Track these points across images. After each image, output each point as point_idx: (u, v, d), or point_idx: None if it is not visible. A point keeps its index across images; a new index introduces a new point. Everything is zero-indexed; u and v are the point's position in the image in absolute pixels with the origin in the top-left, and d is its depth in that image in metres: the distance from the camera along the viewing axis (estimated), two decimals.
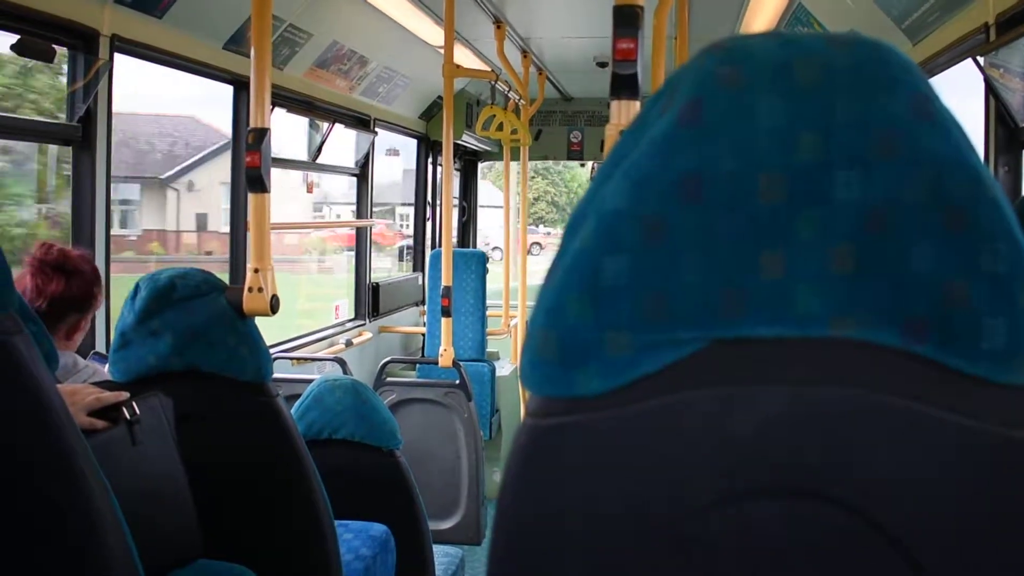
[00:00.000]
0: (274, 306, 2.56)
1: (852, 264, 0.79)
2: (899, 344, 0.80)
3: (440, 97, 6.20)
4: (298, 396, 3.16)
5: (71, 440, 1.43)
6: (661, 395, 0.82)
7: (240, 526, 2.37)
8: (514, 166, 7.03)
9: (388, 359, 5.05)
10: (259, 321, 2.48)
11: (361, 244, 6.11)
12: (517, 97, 6.52)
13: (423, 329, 6.50)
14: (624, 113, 2.03)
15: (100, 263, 3.07)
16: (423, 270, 6.91)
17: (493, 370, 6.05)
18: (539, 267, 6.53)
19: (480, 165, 8.45)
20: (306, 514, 2.39)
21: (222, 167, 13.20)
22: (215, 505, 2.31)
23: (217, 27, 3.70)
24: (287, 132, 5.26)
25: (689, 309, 0.81)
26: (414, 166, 7.21)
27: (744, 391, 0.81)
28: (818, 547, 0.82)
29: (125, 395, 2.12)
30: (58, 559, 1.44)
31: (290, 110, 4.77)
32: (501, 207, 6.76)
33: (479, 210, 8.53)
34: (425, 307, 6.54)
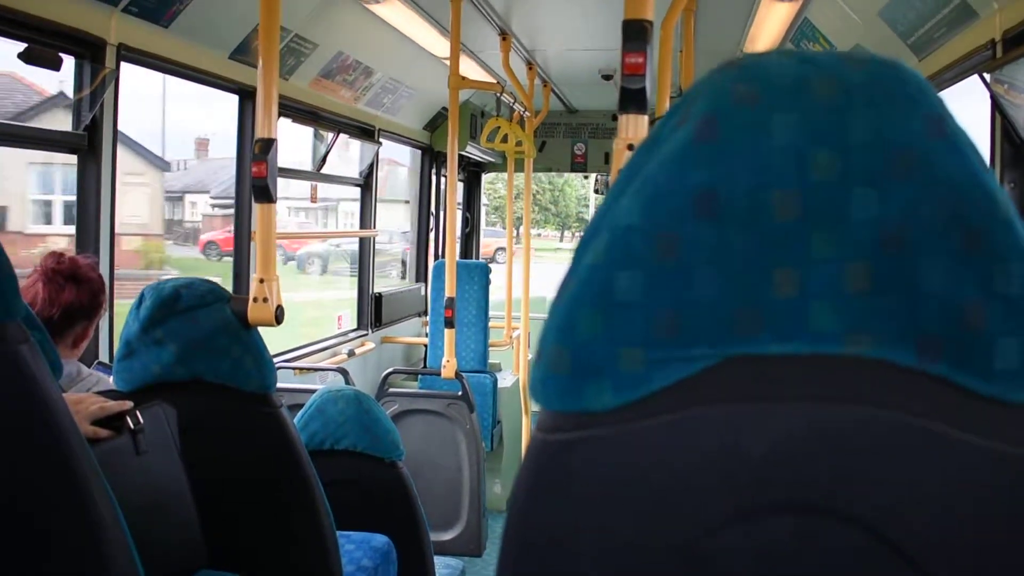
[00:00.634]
0: (279, 317, 2.56)
1: (867, 282, 0.79)
2: (913, 363, 0.80)
3: (445, 108, 6.22)
4: (300, 406, 3.15)
5: (75, 449, 1.43)
6: (673, 411, 0.82)
7: (242, 536, 2.36)
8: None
9: (391, 370, 5.05)
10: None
11: (364, 254, 6.11)
12: (522, 109, 6.52)
13: (425, 340, 6.49)
14: (632, 128, 2.03)
15: (104, 271, 3.07)
16: (426, 280, 6.90)
17: (495, 381, 6.04)
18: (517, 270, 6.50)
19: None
20: (308, 524, 2.38)
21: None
22: (218, 515, 2.30)
23: (223, 37, 3.71)
24: (291, 143, 5.26)
25: (702, 325, 0.81)
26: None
27: (757, 408, 0.81)
28: (831, 565, 0.81)
29: (129, 404, 2.12)
30: (61, 568, 1.44)
31: (295, 120, 4.78)
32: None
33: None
34: (428, 318, 6.54)
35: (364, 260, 6.11)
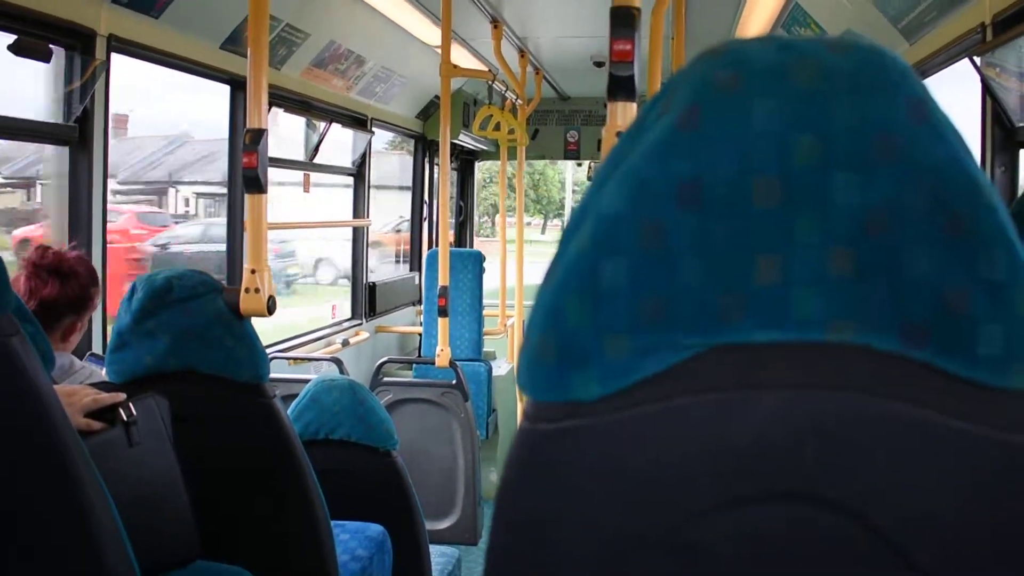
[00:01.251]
0: (271, 307, 2.56)
1: (851, 268, 0.79)
2: (898, 349, 0.80)
3: (437, 97, 6.20)
4: (295, 396, 3.15)
5: (67, 441, 1.43)
6: (659, 400, 0.82)
7: (237, 527, 2.36)
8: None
9: (385, 359, 5.05)
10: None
11: (357, 244, 6.11)
12: (514, 97, 6.52)
13: (420, 329, 6.49)
14: (621, 114, 2.03)
15: (97, 264, 3.06)
16: (420, 270, 6.90)
17: (490, 370, 6.05)
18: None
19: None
20: (303, 515, 2.38)
21: None
22: (212, 506, 2.30)
23: (214, 27, 3.70)
24: (286, 132, 5.24)
25: (687, 313, 0.81)
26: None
27: (742, 396, 0.81)
28: (818, 552, 0.82)
29: (122, 396, 2.12)
30: (54, 561, 1.44)
31: (287, 110, 4.77)
32: None
33: None
34: (422, 307, 6.54)
35: (357, 249, 6.11)
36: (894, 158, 0.78)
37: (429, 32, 5.24)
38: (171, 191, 13.25)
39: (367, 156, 5.96)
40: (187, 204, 13.56)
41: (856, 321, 0.80)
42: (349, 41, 4.85)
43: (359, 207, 6.03)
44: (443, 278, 4.72)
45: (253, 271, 2.56)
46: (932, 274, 0.78)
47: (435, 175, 7.20)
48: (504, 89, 6.42)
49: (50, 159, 3.24)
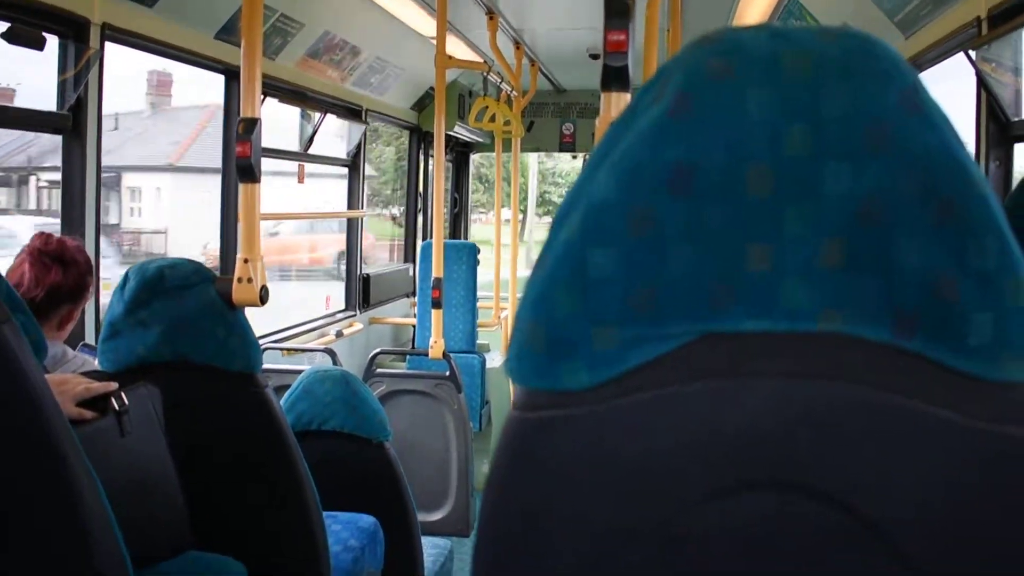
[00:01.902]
0: (263, 297, 2.55)
1: (841, 258, 0.79)
2: (888, 339, 0.80)
3: (432, 88, 6.19)
4: (288, 387, 3.15)
5: (58, 430, 1.42)
6: (649, 389, 0.82)
7: (229, 517, 2.36)
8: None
9: (378, 350, 5.04)
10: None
11: (352, 234, 6.10)
12: (509, 88, 6.51)
13: (414, 320, 6.49)
14: (615, 106, 2.03)
15: (90, 252, 3.06)
16: (414, 261, 6.89)
17: (483, 362, 6.05)
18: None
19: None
20: (295, 505, 2.38)
21: None
22: (204, 496, 2.30)
23: (209, 16, 3.69)
24: (279, 123, 5.23)
25: (677, 302, 0.81)
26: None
27: (732, 385, 0.81)
28: (807, 541, 0.82)
29: (114, 385, 2.11)
30: (44, 550, 1.44)
31: (282, 100, 4.76)
32: None
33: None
34: (416, 298, 6.53)
35: (352, 240, 6.11)
36: (885, 146, 0.78)
37: (424, 23, 5.22)
38: None
39: (362, 147, 5.95)
40: None
41: (847, 311, 0.80)
42: (344, 31, 4.84)
43: (353, 198, 6.02)
44: (437, 270, 4.72)
45: (246, 260, 2.55)
46: (923, 264, 0.78)
47: (430, 166, 7.19)
48: (499, 81, 6.41)
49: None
